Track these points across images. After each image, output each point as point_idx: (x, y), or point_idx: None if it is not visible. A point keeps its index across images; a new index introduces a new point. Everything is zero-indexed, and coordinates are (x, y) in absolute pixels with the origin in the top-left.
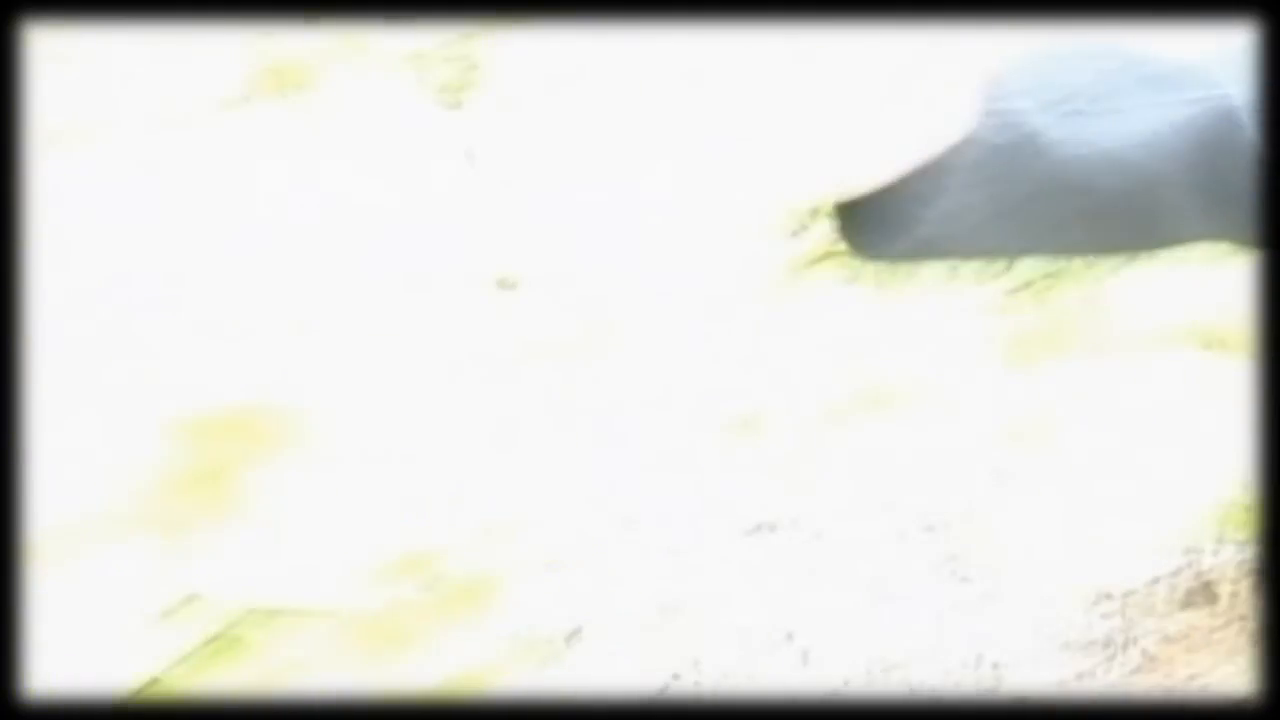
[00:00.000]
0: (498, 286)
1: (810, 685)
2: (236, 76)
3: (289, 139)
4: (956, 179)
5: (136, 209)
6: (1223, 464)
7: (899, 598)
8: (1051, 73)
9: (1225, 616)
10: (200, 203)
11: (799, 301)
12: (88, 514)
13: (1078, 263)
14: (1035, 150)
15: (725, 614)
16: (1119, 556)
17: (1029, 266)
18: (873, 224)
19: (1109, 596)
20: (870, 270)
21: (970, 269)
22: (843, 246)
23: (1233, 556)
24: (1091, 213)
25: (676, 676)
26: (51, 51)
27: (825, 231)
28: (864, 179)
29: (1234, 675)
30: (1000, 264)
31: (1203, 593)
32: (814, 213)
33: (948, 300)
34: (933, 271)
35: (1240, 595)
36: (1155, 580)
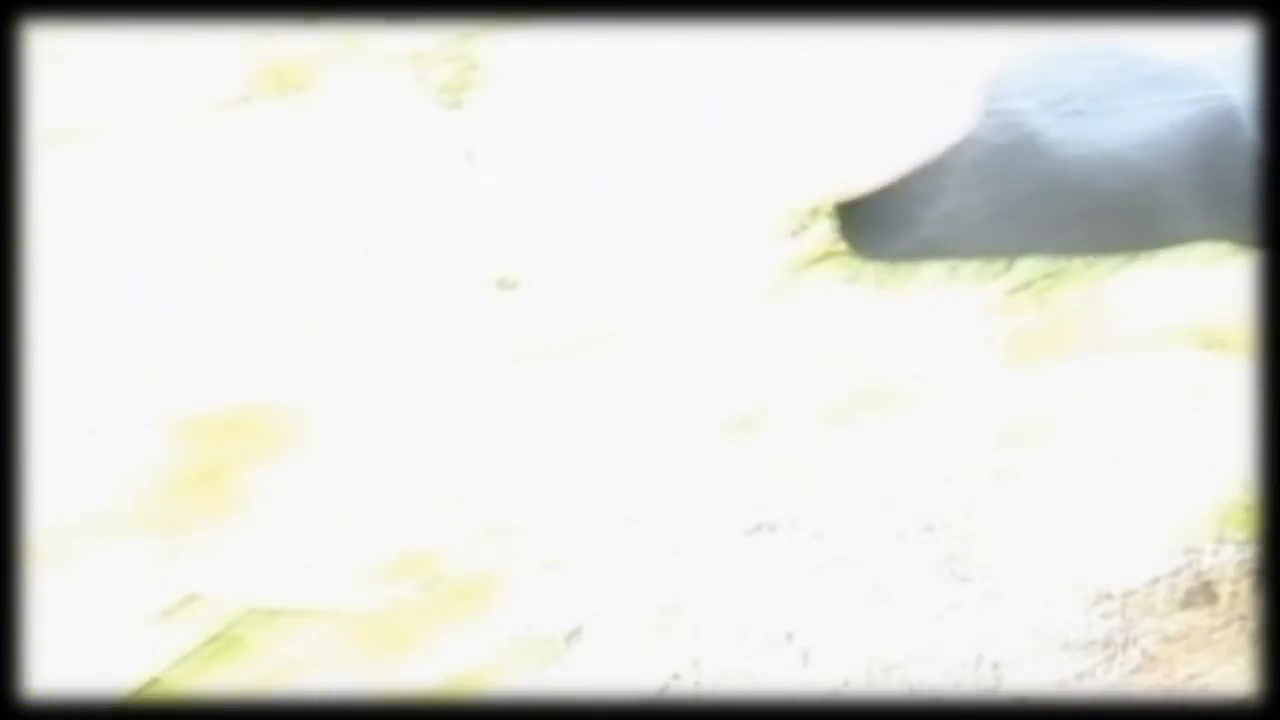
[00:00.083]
0: (498, 286)
1: (810, 685)
2: (236, 76)
3: (289, 139)
4: (956, 179)
5: (136, 209)
6: (1223, 464)
7: (899, 598)
8: (1051, 73)
9: (1225, 616)
10: (200, 203)
11: (799, 301)
12: (88, 514)
13: (1078, 263)
14: (1035, 150)
15: (725, 614)
16: (1119, 556)
17: (1029, 266)
18: (873, 224)
19: (1109, 596)
20: (870, 270)
21: (970, 269)
22: (843, 246)
23: (1233, 556)
24: (1091, 213)
25: (676, 676)
26: (51, 51)
27: (825, 231)
28: (864, 179)
29: (1234, 675)
30: (1000, 264)
31: (1203, 593)
32: (814, 213)
33: (948, 300)
34: (933, 271)
35: (1240, 595)
36: (1155, 580)
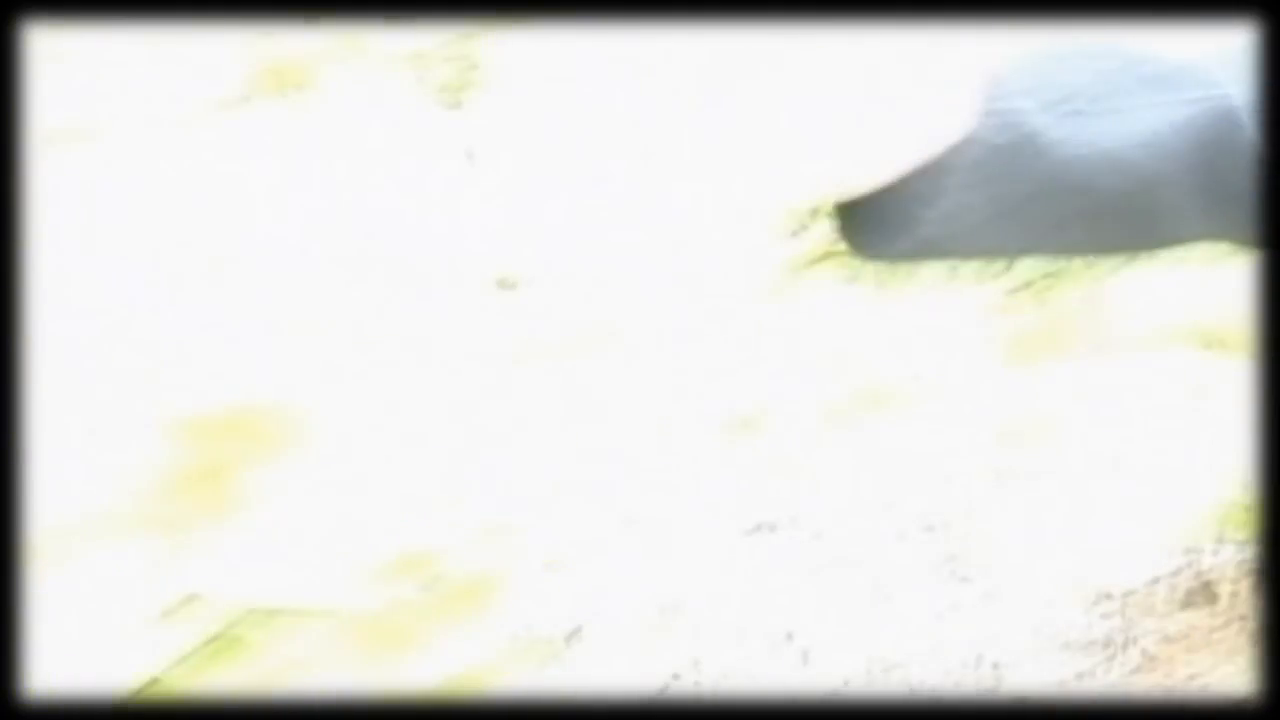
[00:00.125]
0: (498, 286)
1: (810, 685)
2: (236, 76)
3: (289, 139)
4: (956, 179)
5: (136, 209)
6: (1223, 464)
7: (899, 598)
8: (1051, 73)
9: (1225, 616)
10: (200, 203)
11: (799, 301)
12: (88, 514)
13: (1078, 263)
14: (1035, 150)
15: (725, 614)
16: (1119, 556)
17: (1029, 266)
18: (873, 224)
19: (1109, 596)
20: (870, 270)
21: (970, 269)
22: (843, 246)
23: (1233, 556)
24: (1091, 213)
25: (676, 676)
26: (51, 51)
27: (825, 231)
28: (864, 179)
29: (1234, 675)
30: (1000, 264)
31: (1203, 593)
32: (814, 213)
33: (948, 300)
34: (933, 271)
35: (1240, 595)
36: (1155, 580)
